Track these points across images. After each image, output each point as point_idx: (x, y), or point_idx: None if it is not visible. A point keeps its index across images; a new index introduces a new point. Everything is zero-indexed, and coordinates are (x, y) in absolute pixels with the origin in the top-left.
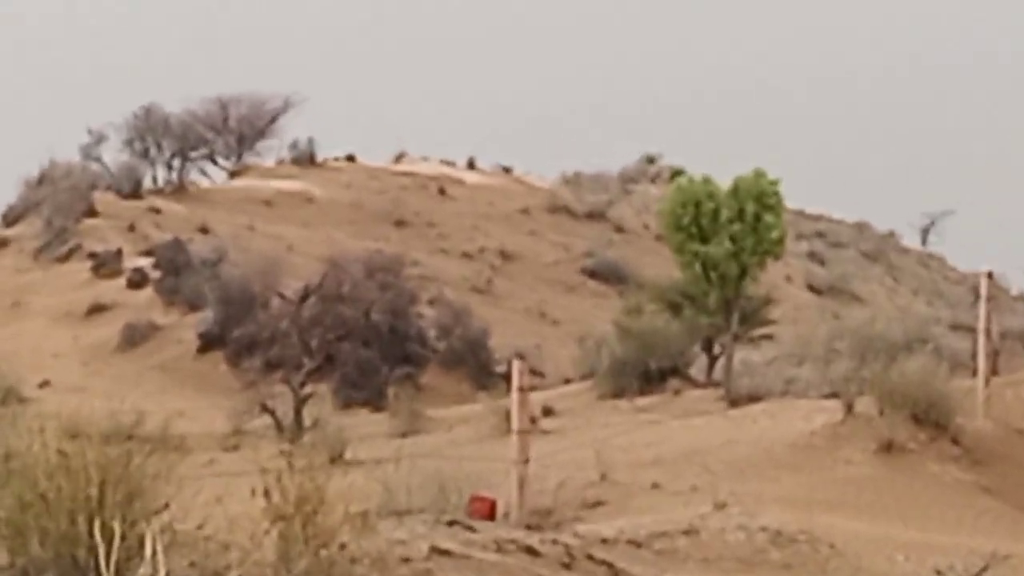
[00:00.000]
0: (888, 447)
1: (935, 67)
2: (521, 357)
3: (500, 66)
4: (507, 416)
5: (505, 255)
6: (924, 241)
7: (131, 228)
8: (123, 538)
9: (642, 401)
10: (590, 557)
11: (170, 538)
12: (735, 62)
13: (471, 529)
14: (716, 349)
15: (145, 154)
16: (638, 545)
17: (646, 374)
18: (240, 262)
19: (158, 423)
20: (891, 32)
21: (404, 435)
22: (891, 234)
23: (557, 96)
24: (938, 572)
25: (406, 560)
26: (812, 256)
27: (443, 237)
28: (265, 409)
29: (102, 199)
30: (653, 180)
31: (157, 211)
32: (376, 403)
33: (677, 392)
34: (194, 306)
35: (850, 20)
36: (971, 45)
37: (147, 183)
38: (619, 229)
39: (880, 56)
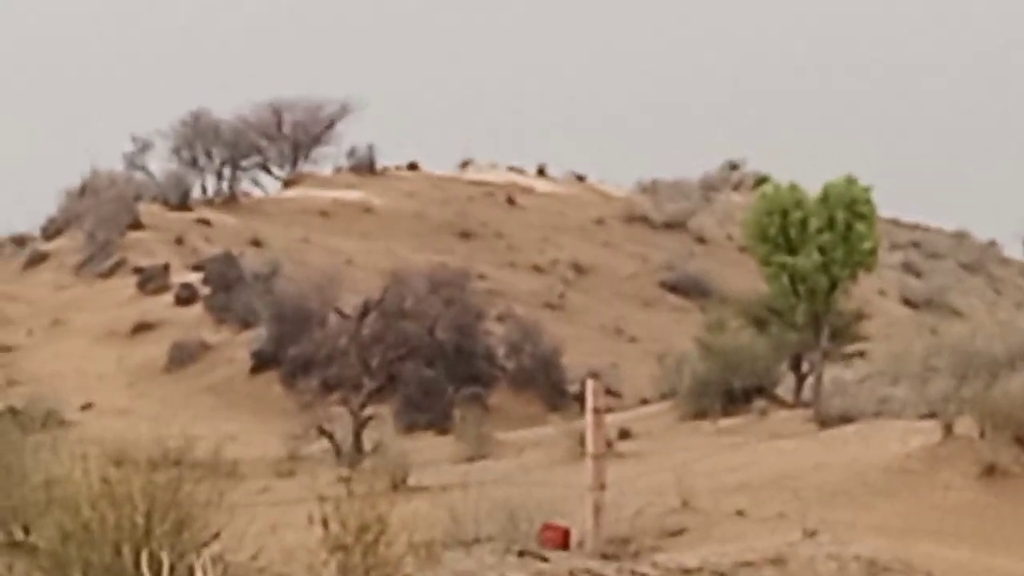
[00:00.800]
0: (991, 471)
1: None
2: (596, 376)
3: (573, 67)
4: (581, 439)
5: (578, 268)
6: None
7: (179, 241)
8: (172, 570)
9: (726, 423)
10: None
11: (222, 570)
12: (824, 61)
13: (543, 559)
14: (805, 367)
15: (194, 163)
16: (722, 575)
17: (730, 394)
18: (295, 277)
19: (208, 448)
20: (993, 32)
21: (471, 460)
22: (992, 244)
23: (634, 99)
24: None
25: None
26: (907, 267)
27: (512, 249)
28: (323, 432)
29: (148, 210)
30: (736, 187)
31: (207, 223)
32: (441, 426)
33: (763, 413)
34: (246, 323)
35: (947, 19)
36: None
37: (196, 193)
38: (700, 240)
39: (981, 57)
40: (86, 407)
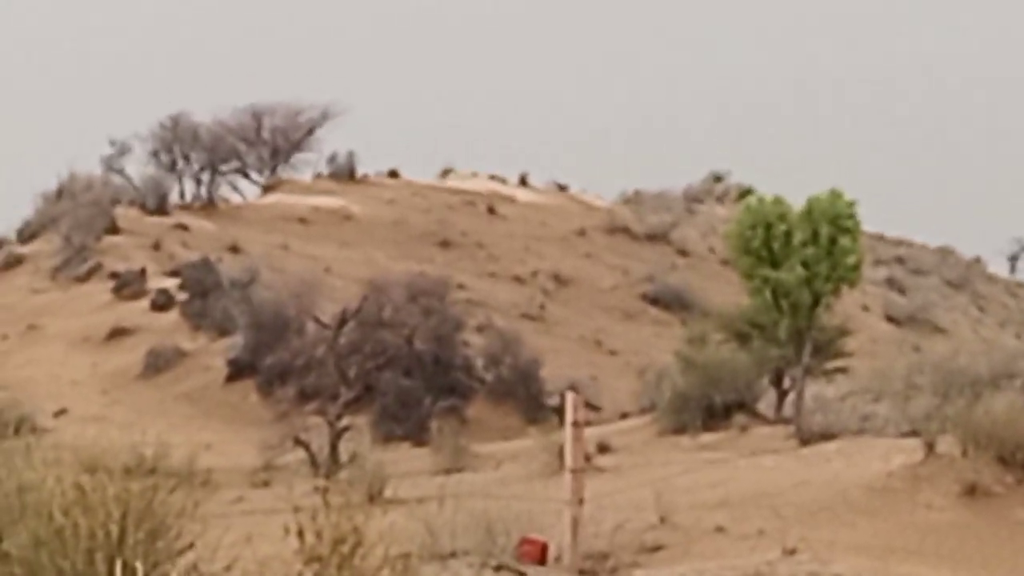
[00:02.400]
0: (972, 490)
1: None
2: (575, 389)
3: (557, 77)
4: (560, 453)
5: (559, 279)
6: (1013, 269)
7: (156, 246)
8: None
9: (706, 438)
10: None
11: None
12: (810, 75)
13: (521, 574)
14: (786, 383)
15: (172, 167)
16: None
17: (710, 409)
18: (273, 284)
19: (183, 456)
20: (976, 51)
21: (448, 472)
22: (977, 261)
23: (617, 108)
24: None
25: None
26: (891, 283)
27: (492, 259)
28: (299, 442)
29: (125, 215)
30: (720, 200)
31: (184, 228)
32: (418, 437)
33: (744, 429)
34: (223, 331)
35: (933, 38)
36: None
37: (174, 198)
38: (682, 252)
39: (967, 73)
40: (60, 413)
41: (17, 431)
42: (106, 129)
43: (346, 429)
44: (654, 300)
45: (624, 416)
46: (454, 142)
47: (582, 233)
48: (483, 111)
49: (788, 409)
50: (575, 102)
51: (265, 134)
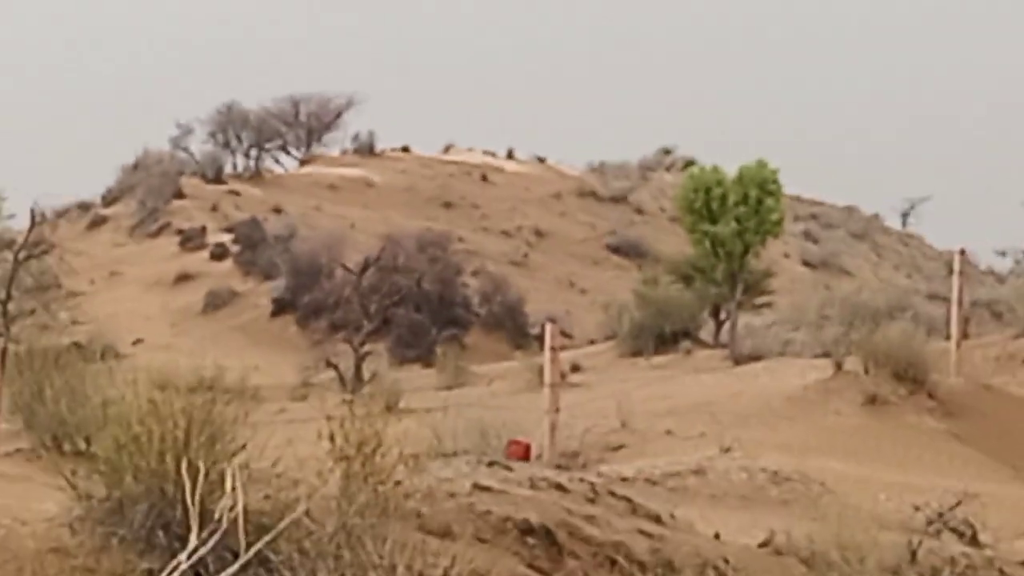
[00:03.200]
0: (872, 400)
1: (917, 75)
2: (552, 321)
3: (536, 66)
4: (540, 372)
5: (539, 233)
6: (904, 223)
7: (214, 208)
8: (206, 475)
9: (657, 359)
10: (611, 493)
11: (247, 475)
12: (745, 62)
13: (508, 469)
14: (722, 315)
15: (226, 145)
16: (653, 483)
17: (661, 336)
18: (308, 238)
19: (236, 376)
20: (879, 38)
21: (450, 388)
22: (875, 216)
23: (587, 93)
24: (916, 509)
25: (452, 495)
26: (807, 235)
27: (485, 217)
28: (329, 364)
29: (188, 183)
30: (668, 169)
31: (236, 194)
32: (426, 360)
33: (688, 352)
34: (268, 275)
35: (842, 27)
36: (948, 51)
37: (228, 170)
38: (639, 211)
39: (866, 64)
40: (136, 342)
41: (102, 357)
42: (173, 114)
43: (368, 354)
44: (615, 249)
45: (591, 342)
46: (454, 122)
47: (558, 196)
48: (478, 96)
49: (724, 336)
50: (552, 88)
51: (302, 118)
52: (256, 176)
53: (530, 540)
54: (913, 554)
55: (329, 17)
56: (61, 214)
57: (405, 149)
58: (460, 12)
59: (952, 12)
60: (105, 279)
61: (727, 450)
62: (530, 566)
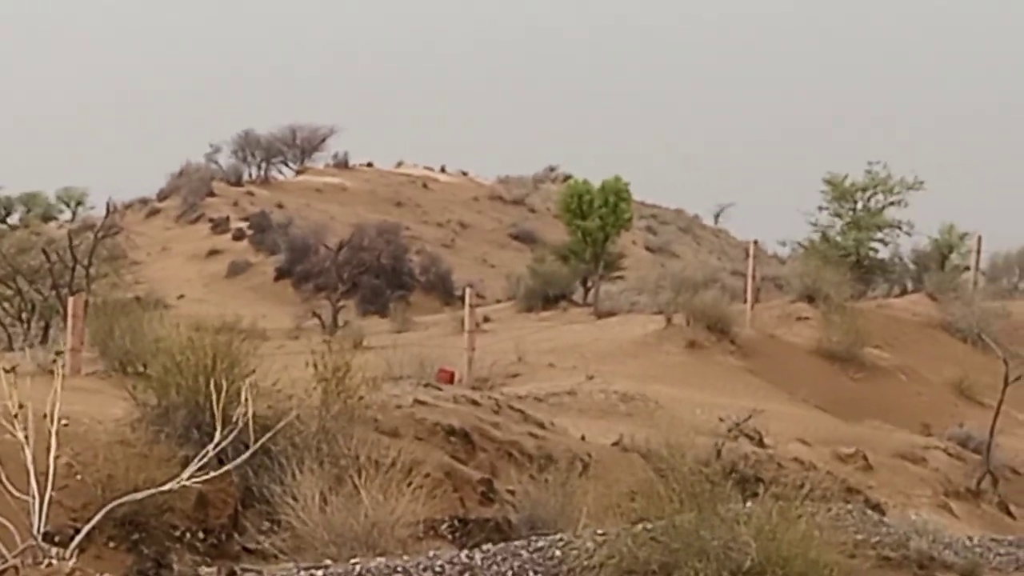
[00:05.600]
0: (692, 345)
1: (731, 107)
2: (471, 286)
3: (464, 103)
4: (462, 322)
5: (463, 225)
6: (716, 221)
7: (235, 204)
8: (227, 390)
9: (543, 315)
10: (510, 407)
11: (255, 391)
12: (609, 101)
13: (439, 389)
14: (589, 284)
15: (244, 159)
16: (539, 400)
17: (546, 298)
18: (301, 226)
19: (249, 322)
20: (708, 84)
21: (399, 332)
22: (696, 216)
23: (497, 125)
24: (721, 420)
25: (398, 407)
26: (648, 229)
27: (425, 213)
28: (315, 315)
29: (218, 186)
30: (553, 181)
31: (251, 194)
32: (383, 313)
33: (565, 309)
34: (272, 252)
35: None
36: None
37: (245, 177)
38: (532, 211)
39: (694, 98)
40: (179, 298)
41: (155, 307)
42: (207, 135)
43: (342, 307)
44: (516, 237)
45: (498, 301)
46: (404, 144)
47: (476, 199)
48: (421, 125)
49: (590, 298)
50: (474, 121)
51: (298, 141)
52: (265, 182)
53: (453, 439)
54: (718, 452)
55: (315, 65)
56: (128, 206)
57: (369, 164)
58: (414, 58)
59: (752, 43)
60: (158, 253)
61: (590, 378)
62: (453, 457)
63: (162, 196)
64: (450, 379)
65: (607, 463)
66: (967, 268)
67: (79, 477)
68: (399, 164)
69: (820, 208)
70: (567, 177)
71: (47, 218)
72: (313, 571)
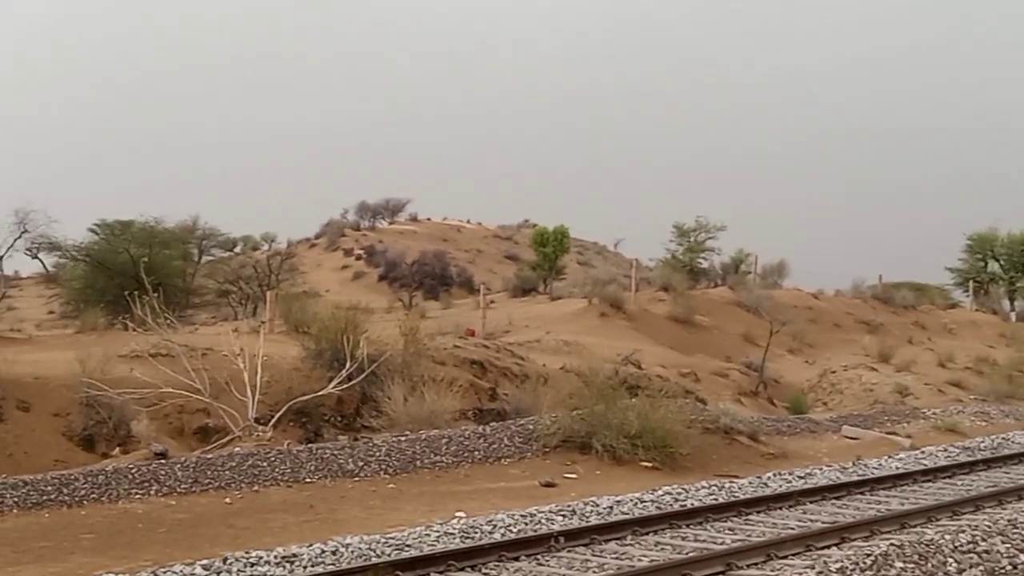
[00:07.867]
0: (602, 315)
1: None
2: (484, 284)
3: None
4: (478, 304)
5: (479, 251)
6: (616, 247)
7: (356, 240)
8: (352, 341)
9: (523, 299)
10: (506, 348)
11: (368, 341)
12: (566, 165)
13: (467, 338)
14: (547, 282)
15: (361, 216)
16: (520, 345)
17: (524, 290)
18: (392, 253)
19: (364, 305)
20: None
21: (445, 309)
22: (604, 245)
23: (499, 185)
24: (618, 355)
25: (444, 348)
26: (579, 252)
27: (458, 245)
28: (400, 300)
29: (347, 231)
30: (528, 227)
31: (365, 235)
32: (436, 298)
33: (534, 296)
34: (377, 266)
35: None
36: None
37: (363, 225)
38: (516, 243)
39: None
40: (326, 292)
41: (313, 297)
42: (341, 201)
43: (414, 296)
44: (508, 257)
45: (499, 292)
46: (451, 202)
47: (485, 237)
48: (458, 188)
49: (548, 290)
50: (488, 188)
51: (389, 206)
52: (372, 228)
53: (474, 366)
54: (616, 372)
55: (396, 140)
56: (298, 241)
57: (428, 218)
58: (448, 135)
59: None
60: (314, 268)
61: (548, 333)
62: (473, 375)
63: (317, 236)
64: (472, 334)
65: (557, 379)
66: (749, 272)
67: (272, 387)
68: (444, 218)
69: (671, 240)
70: (535, 224)
71: (255, 248)
72: (399, 437)
